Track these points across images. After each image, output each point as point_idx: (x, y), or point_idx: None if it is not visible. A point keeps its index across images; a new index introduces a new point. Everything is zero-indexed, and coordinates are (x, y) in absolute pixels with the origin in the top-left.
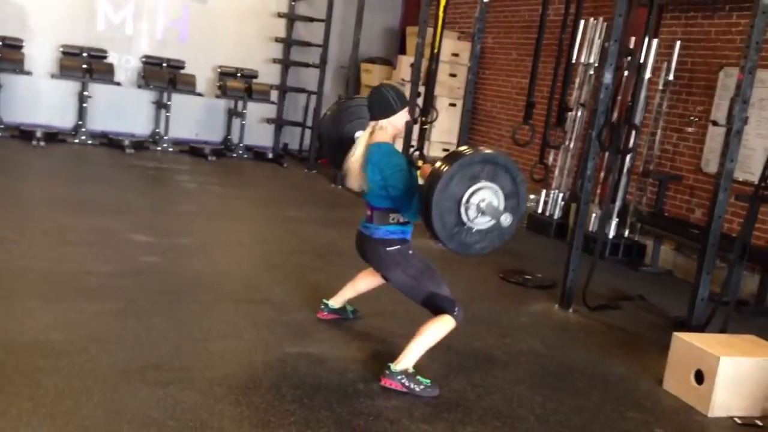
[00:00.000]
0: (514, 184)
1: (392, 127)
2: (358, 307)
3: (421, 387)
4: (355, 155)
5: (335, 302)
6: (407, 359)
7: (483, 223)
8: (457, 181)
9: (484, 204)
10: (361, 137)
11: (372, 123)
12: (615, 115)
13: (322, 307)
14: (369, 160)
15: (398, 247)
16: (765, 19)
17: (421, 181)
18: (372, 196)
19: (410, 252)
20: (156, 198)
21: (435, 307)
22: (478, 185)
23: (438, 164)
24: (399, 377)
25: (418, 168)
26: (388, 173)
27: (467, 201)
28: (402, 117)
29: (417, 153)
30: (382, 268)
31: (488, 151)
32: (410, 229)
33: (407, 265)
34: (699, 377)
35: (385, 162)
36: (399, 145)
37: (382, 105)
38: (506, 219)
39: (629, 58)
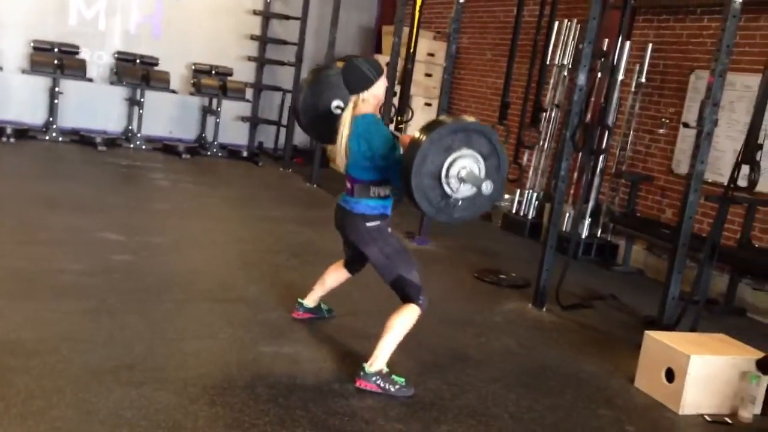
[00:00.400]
0: (490, 144)
1: (373, 97)
2: (332, 305)
3: (396, 387)
4: (343, 134)
5: (309, 301)
6: (380, 359)
7: (466, 191)
8: (432, 158)
9: (464, 173)
10: (345, 113)
11: (353, 97)
12: (588, 116)
13: (297, 306)
14: (354, 132)
15: (378, 222)
16: (735, 22)
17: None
18: (354, 168)
19: (389, 231)
20: (129, 196)
21: (401, 291)
22: (454, 155)
23: (415, 136)
24: (374, 378)
25: (398, 138)
26: (377, 143)
27: (447, 175)
28: (381, 85)
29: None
30: (360, 243)
31: (456, 120)
32: (390, 204)
33: (384, 243)
34: (670, 375)
35: (373, 131)
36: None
37: (359, 79)
38: (487, 187)
39: (602, 59)
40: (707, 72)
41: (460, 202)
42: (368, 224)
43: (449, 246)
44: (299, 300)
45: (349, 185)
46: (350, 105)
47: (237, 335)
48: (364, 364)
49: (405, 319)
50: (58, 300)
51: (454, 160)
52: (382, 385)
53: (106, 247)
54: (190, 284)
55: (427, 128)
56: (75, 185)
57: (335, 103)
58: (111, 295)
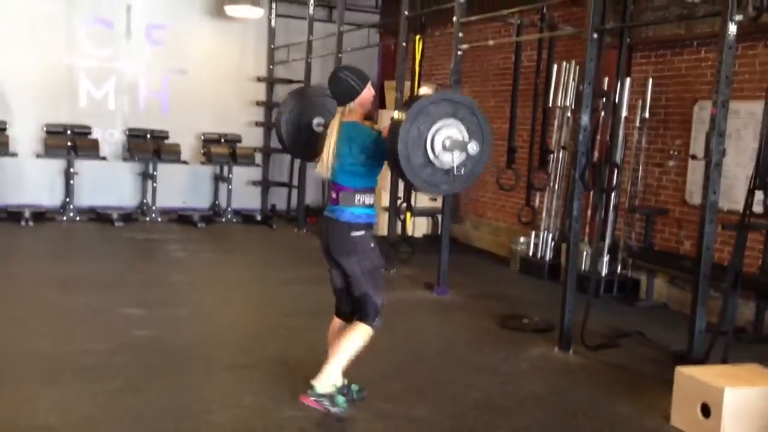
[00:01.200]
0: (460, 106)
1: (360, 106)
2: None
3: (338, 409)
4: (331, 140)
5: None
6: (328, 379)
7: (457, 158)
8: (414, 137)
9: (448, 142)
10: (333, 122)
11: (340, 108)
12: (596, 154)
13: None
14: (343, 136)
15: (363, 233)
16: (732, 54)
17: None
18: (341, 174)
19: (371, 246)
20: (147, 270)
21: (362, 307)
22: (436, 127)
23: (395, 117)
24: (320, 398)
25: (380, 132)
26: (364, 139)
27: (433, 149)
28: (367, 93)
29: (405, 205)
30: (340, 253)
31: (419, 98)
32: (374, 212)
33: (364, 257)
34: (705, 411)
35: (359, 131)
36: None
37: (345, 90)
38: (473, 147)
39: (604, 99)
40: (710, 102)
41: (455, 171)
42: (353, 233)
43: (469, 294)
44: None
45: (333, 194)
46: (338, 115)
47: (260, 401)
48: (313, 382)
49: (355, 340)
50: (83, 382)
51: (436, 132)
52: (326, 404)
53: (128, 323)
54: (213, 353)
55: (403, 109)
56: (94, 263)
57: (316, 120)
58: (135, 372)
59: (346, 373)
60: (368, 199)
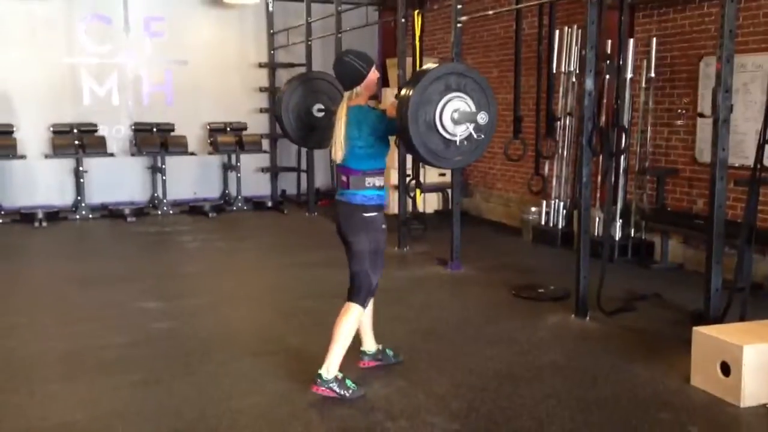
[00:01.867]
0: (467, 78)
1: (366, 89)
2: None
3: (350, 392)
4: (341, 126)
5: (368, 347)
6: (333, 365)
7: (464, 131)
8: (422, 111)
9: (456, 114)
10: (340, 109)
11: (346, 93)
12: (603, 118)
13: (360, 355)
14: (351, 120)
15: (375, 214)
16: (735, 7)
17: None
18: (350, 158)
19: (383, 227)
20: (162, 262)
21: (357, 284)
22: (443, 102)
23: (401, 93)
24: (330, 384)
25: (384, 111)
26: (372, 120)
27: (442, 123)
28: (372, 76)
29: (414, 182)
30: (350, 232)
31: (433, 68)
32: (384, 193)
33: (373, 237)
34: (725, 369)
35: (366, 113)
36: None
37: (351, 74)
38: (482, 117)
39: (608, 62)
40: (715, 58)
41: (465, 143)
42: (365, 215)
43: (483, 267)
44: (361, 349)
45: (344, 178)
46: (344, 100)
47: (284, 387)
48: (320, 371)
49: (349, 322)
50: (105, 376)
51: (444, 106)
52: (337, 390)
53: (146, 317)
54: (232, 342)
55: (409, 85)
56: (108, 259)
57: (317, 106)
58: (156, 364)
59: (379, 338)
60: (378, 181)
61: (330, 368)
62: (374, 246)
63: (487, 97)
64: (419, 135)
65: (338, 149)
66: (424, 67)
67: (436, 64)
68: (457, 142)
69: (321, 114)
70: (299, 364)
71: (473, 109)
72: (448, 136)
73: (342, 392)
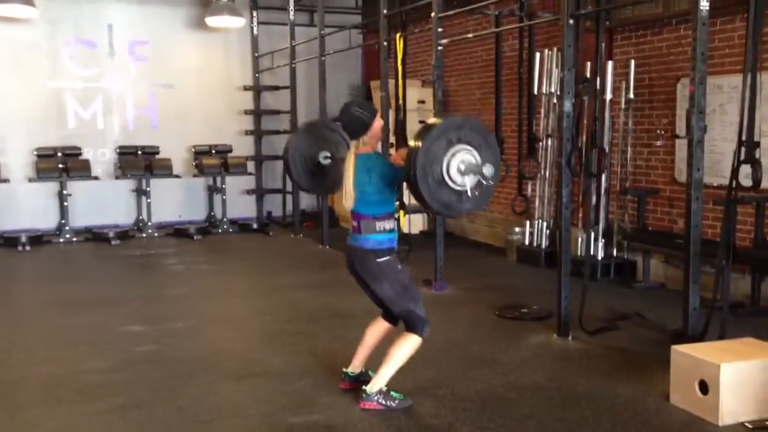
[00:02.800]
0: (472, 131)
1: (372, 138)
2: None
3: (396, 402)
4: (349, 174)
5: (354, 368)
6: (380, 382)
7: (471, 181)
8: (430, 166)
9: (463, 166)
10: (348, 157)
11: (353, 142)
12: (583, 139)
13: (342, 376)
14: (360, 167)
15: (388, 258)
16: (706, 30)
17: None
18: (360, 204)
19: (399, 267)
20: (146, 286)
21: (408, 322)
22: (448, 157)
23: (410, 146)
24: (375, 397)
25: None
26: (380, 167)
27: (449, 175)
28: (377, 125)
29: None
30: (369, 280)
31: (434, 125)
32: (395, 236)
33: (393, 280)
34: (704, 387)
35: (375, 160)
36: None
37: (358, 125)
38: (488, 169)
39: (585, 83)
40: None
41: (470, 193)
42: (379, 260)
43: (467, 288)
44: (344, 370)
45: (355, 223)
46: (352, 148)
47: (266, 410)
48: (365, 387)
49: (406, 348)
50: (87, 401)
51: (450, 159)
52: (383, 402)
53: (129, 340)
54: (215, 365)
55: (417, 139)
56: (92, 283)
57: (323, 153)
58: (138, 388)
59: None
60: (388, 225)
61: (376, 385)
62: (399, 288)
63: (487, 140)
64: (430, 192)
65: (349, 196)
66: (429, 121)
67: (437, 120)
68: (468, 192)
69: (327, 161)
70: (282, 386)
71: (477, 158)
72: (458, 188)
73: (388, 403)
